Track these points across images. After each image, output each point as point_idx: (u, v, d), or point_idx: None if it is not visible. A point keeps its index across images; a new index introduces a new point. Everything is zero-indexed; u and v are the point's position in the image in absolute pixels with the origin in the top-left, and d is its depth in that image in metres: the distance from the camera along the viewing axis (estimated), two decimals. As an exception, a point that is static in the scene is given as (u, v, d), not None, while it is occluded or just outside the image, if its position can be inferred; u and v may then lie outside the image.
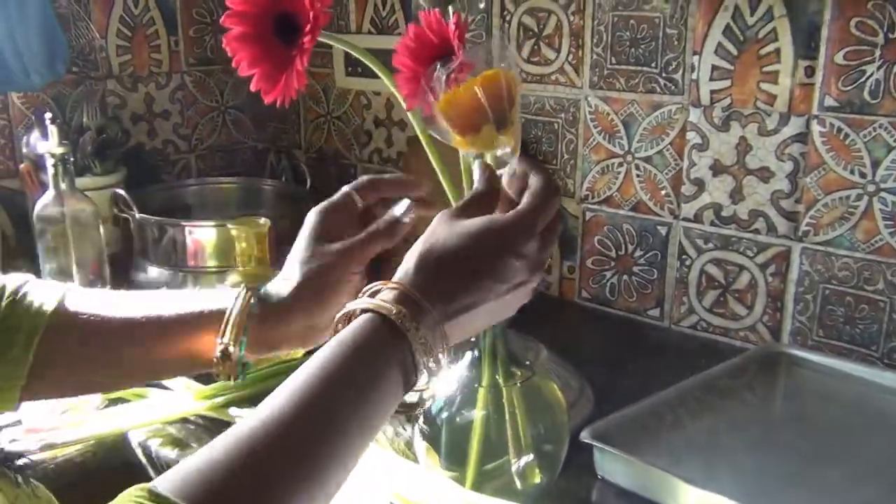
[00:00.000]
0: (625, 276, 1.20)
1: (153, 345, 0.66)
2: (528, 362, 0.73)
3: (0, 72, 1.29)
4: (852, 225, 0.98)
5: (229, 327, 0.63)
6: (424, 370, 0.51)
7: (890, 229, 0.95)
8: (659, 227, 1.15)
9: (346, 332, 0.51)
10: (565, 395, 0.92)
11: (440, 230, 0.56)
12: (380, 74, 0.65)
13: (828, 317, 1.02)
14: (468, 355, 0.70)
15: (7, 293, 0.65)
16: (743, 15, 1.01)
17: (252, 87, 0.61)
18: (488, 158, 0.61)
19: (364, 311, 0.52)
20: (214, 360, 0.63)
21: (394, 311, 0.50)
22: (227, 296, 0.66)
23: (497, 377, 0.71)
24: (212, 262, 1.19)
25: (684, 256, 1.13)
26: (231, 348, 0.63)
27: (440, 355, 0.52)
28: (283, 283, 0.66)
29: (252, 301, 0.65)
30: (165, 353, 0.66)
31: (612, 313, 1.23)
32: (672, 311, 1.17)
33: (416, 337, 0.50)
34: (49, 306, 0.64)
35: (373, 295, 0.53)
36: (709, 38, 1.04)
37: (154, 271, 1.22)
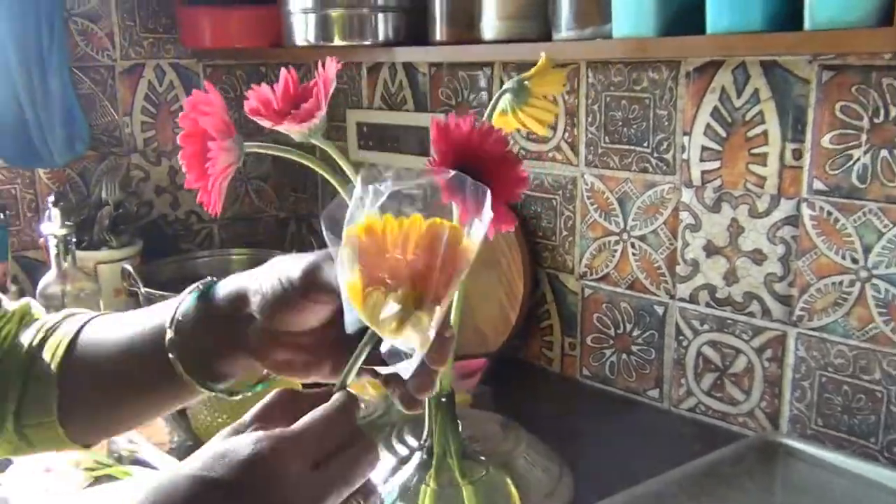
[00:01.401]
0: (624, 355, 1.18)
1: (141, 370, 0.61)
2: (482, 458, 0.73)
3: (26, 150, 1.36)
4: (846, 311, 0.95)
5: (170, 317, 0.57)
6: None
7: (884, 317, 0.92)
8: (656, 307, 1.13)
9: None
10: (542, 482, 0.91)
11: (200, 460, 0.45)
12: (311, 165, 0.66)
13: (826, 405, 0.98)
14: (415, 456, 0.70)
15: (44, 328, 0.65)
16: (730, 97, 1.00)
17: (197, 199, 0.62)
18: (385, 340, 0.45)
19: None
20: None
21: None
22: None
23: (453, 473, 0.70)
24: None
25: (681, 337, 1.11)
26: (172, 336, 0.56)
27: None
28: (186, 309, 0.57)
29: (195, 293, 0.57)
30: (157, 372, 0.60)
31: (612, 392, 1.20)
32: (671, 393, 1.14)
33: None
34: (68, 336, 0.63)
35: None
36: (697, 119, 1.03)
37: (160, 343, 1.25)
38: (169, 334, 0.56)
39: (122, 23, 1.49)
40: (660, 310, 1.13)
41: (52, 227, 1.02)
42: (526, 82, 0.68)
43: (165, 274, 1.38)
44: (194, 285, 0.59)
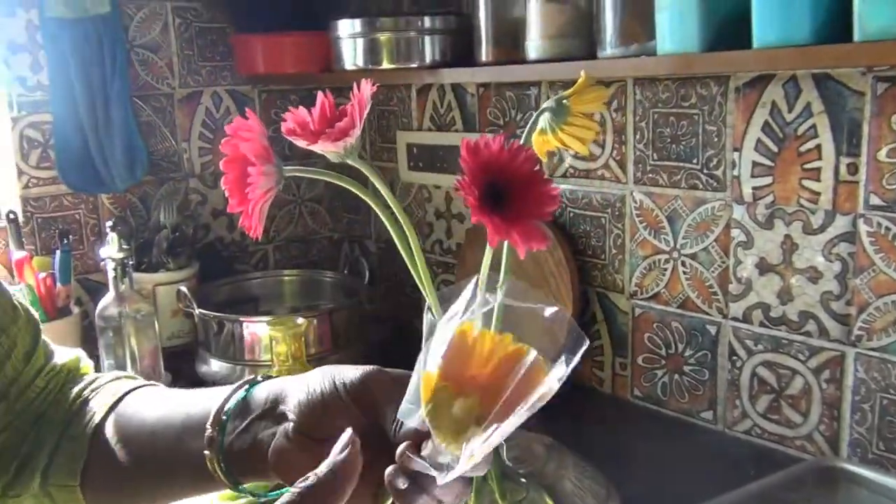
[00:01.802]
0: (676, 376, 1.16)
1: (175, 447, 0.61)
2: (522, 480, 0.72)
3: (89, 176, 1.42)
4: (907, 331, 0.91)
5: (213, 413, 0.57)
6: None
7: (948, 337, 0.88)
8: (708, 326, 1.11)
9: None
10: (589, 506, 0.89)
11: None
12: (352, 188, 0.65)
13: (887, 429, 0.94)
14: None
15: (82, 389, 0.66)
16: (781, 111, 0.98)
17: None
18: (429, 447, 0.45)
19: None
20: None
21: None
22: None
23: (492, 495, 0.70)
24: (266, 356, 1.24)
25: (735, 357, 1.08)
26: (212, 433, 0.56)
27: None
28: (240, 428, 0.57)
29: (241, 392, 0.57)
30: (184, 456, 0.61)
31: (664, 414, 1.18)
32: (725, 415, 1.11)
33: None
34: (105, 407, 0.63)
35: None
36: (748, 134, 1.01)
37: (215, 364, 1.28)
38: (209, 431, 0.56)
39: (181, 52, 1.54)
40: (712, 329, 1.10)
41: (111, 250, 1.06)
42: (565, 101, 0.67)
43: (220, 295, 1.41)
44: (242, 382, 0.58)
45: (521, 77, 1.20)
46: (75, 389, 0.66)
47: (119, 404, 0.64)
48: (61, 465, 0.62)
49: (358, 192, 0.68)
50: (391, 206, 0.68)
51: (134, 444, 0.63)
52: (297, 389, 0.54)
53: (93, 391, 0.66)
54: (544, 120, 0.69)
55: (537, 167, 0.58)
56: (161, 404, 0.64)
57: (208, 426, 0.56)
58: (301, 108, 0.66)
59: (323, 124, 0.64)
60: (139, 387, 0.67)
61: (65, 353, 0.69)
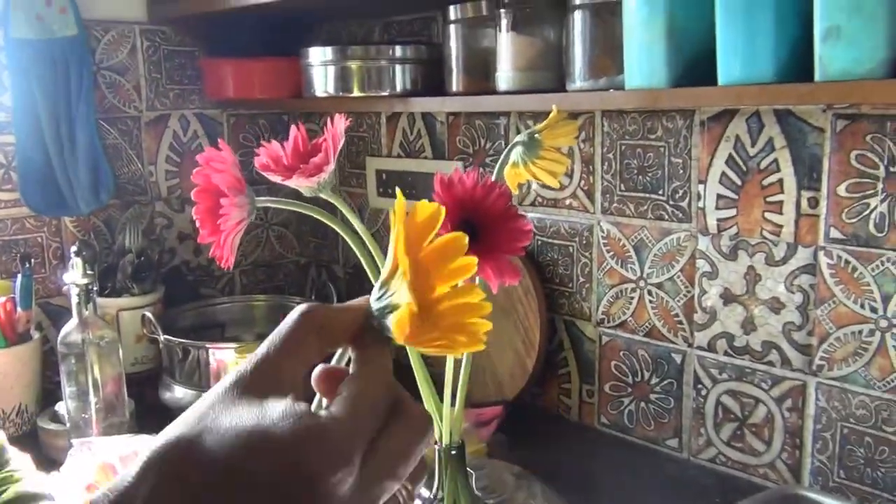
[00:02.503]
0: (642, 404, 1.17)
1: None
2: (493, 511, 0.72)
3: (53, 199, 1.40)
4: (866, 361, 0.93)
5: None
6: None
7: (905, 367, 0.90)
8: (674, 355, 1.12)
9: None
10: (558, 536, 0.89)
11: (212, 416, 0.34)
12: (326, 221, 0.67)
13: (848, 457, 0.96)
14: (426, 507, 0.69)
15: None
16: (744, 145, 1.00)
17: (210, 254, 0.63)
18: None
19: None
20: None
21: None
22: None
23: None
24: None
25: (699, 386, 1.10)
26: None
27: None
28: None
29: None
30: None
31: (630, 441, 1.19)
32: (690, 443, 1.12)
33: None
34: None
35: None
36: (713, 167, 1.04)
37: (179, 391, 1.26)
38: None
39: (149, 75, 1.53)
40: (678, 358, 1.12)
41: (74, 275, 1.04)
42: (537, 135, 0.69)
43: (186, 320, 1.39)
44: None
45: (491, 107, 1.21)
46: None
47: None
48: None
49: (327, 222, 0.69)
50: (360, 233, 0.69)
51: None
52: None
53: None
54: (516, 153, 0.70)
55: (510, 204, 0.59)
56: None
57: None
58: (274, 142, 0.66)
59: (296, 159, 0.64)
60: None
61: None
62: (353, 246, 0.68)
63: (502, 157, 0.70)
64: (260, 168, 0.63)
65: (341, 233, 0.69)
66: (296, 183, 0.63)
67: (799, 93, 0.79)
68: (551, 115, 0.69)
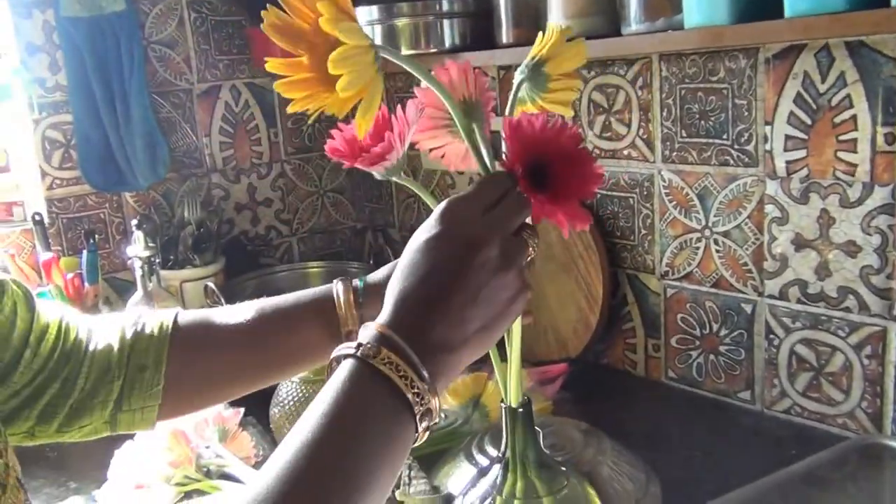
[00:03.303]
0: (711, 356, 1.14)
1: (269, 336, 0.69)
2: (563, 468, 0.70)
3: (112, 176, 1.42)
4: (952, 303, 0.88)
5: (345, 309, 0.68)
6: (421, 406, 0.48)
7: None
8: (743, 305, 1.08)
9: (335, 382, 0.48)
10: (628, 491, 0.88)
11: (404, 252, 0.53)
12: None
13: (934, 404, 0.92)
14: (494, 468, 0.68)
15: (129, 326, 0.70)
16: (814, 82, 0.95)
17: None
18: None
19: (347, 356, 0.49)
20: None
21: (371, 354, 0.47)
22: (322, 290, 0.70)
23: (533, 486, 0.68)
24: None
25: (772, 336, 1.06)
26: (353, 327, 0.67)
27: (430, 389, 0.48)
28: (375, 273, 0.71)
29: (354, 284, 0.69)
30: (282, 343, 0.69)
31: (700, 395, 1.16)
32: (763, 395, 1.09)
33: (400, 379, 0.47)
34: (167, 329, 0.69)
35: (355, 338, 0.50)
36: (779, 107, 0.99)
37: (244, 358, 1.28)
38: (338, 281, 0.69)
39: (198, 47, 1.53)
40: (748, 308, 1.08)
41: (137, 249, 1.06)
42: (543, 67, 0.63)
43: (248, 290, 1.41)
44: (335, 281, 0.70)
45: (543, 58, 1.18)
46: (111, 331, 0.69)
47: (179, 317, 0.70)
48: (136, 389, 0.67)
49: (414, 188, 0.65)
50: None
51: (237, 316, 0.70)
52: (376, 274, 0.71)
53: (137, 323, 0.70)
54: (524, 91, 0.64)
55: (582, 145, 0.56)
56: (236, 312, 0.70)
57: (349, 324, 0.68)
58: (345, 127, 0.62)
59: (376, 139, 0.61)
60: (178, 313, 0.73)
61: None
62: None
63: (511, 98, 0.64)
64: (329, 152, 0.61)
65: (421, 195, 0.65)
66: (364, 167, 0.61)
67: (874, 20, 0.74)
68: (553, 39, 0.63)
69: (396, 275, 0.52)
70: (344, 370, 0.48)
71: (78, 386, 0.66)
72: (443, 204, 0.53)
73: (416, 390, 0.47)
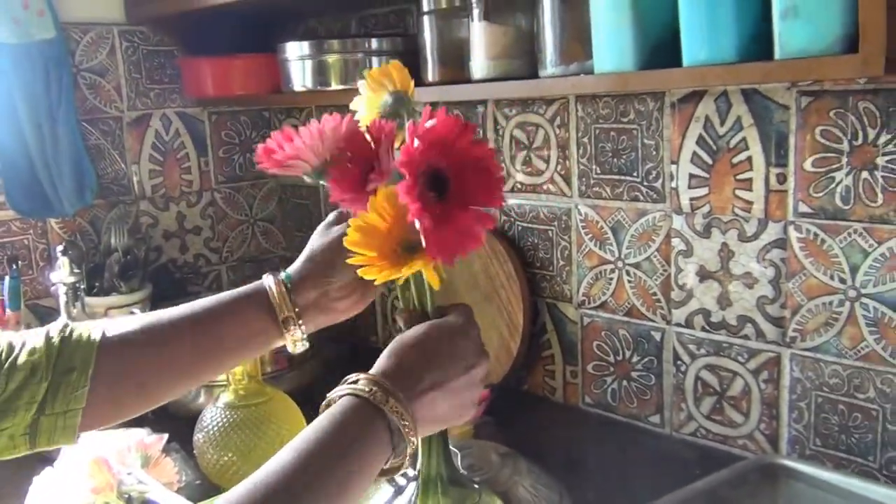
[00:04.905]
0: (625, 382, 1.20)
1: (201, 335, 0.73)
2: (475, 485, 0.74)
3: (38, 201, 1.41)
4: (837, 331, 0.96)
5: (278, 299, 0.75)
6: (403, 437, 0.60)
7: (874, 336, 0.93)
8: (653, 333, 1.15)
9: (332, 411, 0.59)
10: (543, 510, 0.92)
11: (409, 331, 0.66)
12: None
13: (823, 425, 0.99)
14: (411, 486, 0.71)
15: (56, 331, 0.70)
16: (714, 125, 1.03)
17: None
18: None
19: (343, 395, 0.60)
20: (284, 330, 0.75)
21: (366, 391, 0.59)
22: (251, 286, 0.77)
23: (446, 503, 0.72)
24: (221, 377, 1.23)
25: (679, 362, 1.12)
26: (289, 314, 0.75)
27: (411, 428, 0.60)
28: (293, 265, 0.79)
29: (282, 276, 0.77)
30: (214, 341, 0.74)
31: (614, 419, 1.22)
32: (672, 418, 1.15)
33: (390, 410, 0.59)
34: (96, 335, 0.70)
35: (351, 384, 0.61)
36: (684, 148, 1.06)
37: (170, 385, 1.28)
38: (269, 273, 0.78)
39: (129, 75, 1.54)
40: (657, 336, 1.14)
41: (61, 275, 1.06)
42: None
43: (174, 317, 1.40)
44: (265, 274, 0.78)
45: (466, 96, 1.23)
46: (38, 338, 0.70)
47: (106, 327, 0.72)
48: (61, 392, 0.68)
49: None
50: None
51: (172, 312, 0.73)
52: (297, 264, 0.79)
53: (64, 330, 0.71)
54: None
55: (489, 148, 0.62)
56: (168, 314, 0.74)
57: (284, 311, 0.75)
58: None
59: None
60: (107, 322, 0.74)
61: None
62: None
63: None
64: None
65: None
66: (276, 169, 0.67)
67: (761, 71, 0.81)
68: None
69: (396, 342, 0.65)
70: (351, 406, 0.60)
71: (0, 387, 0.66)
72: (450, 318, 0.68)
73: (408, 432, 0.60)
